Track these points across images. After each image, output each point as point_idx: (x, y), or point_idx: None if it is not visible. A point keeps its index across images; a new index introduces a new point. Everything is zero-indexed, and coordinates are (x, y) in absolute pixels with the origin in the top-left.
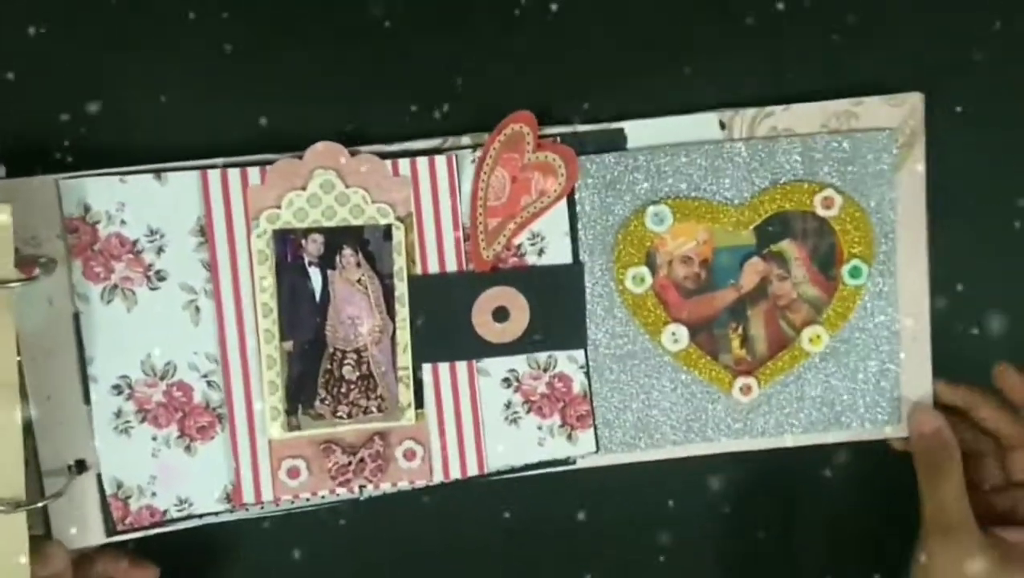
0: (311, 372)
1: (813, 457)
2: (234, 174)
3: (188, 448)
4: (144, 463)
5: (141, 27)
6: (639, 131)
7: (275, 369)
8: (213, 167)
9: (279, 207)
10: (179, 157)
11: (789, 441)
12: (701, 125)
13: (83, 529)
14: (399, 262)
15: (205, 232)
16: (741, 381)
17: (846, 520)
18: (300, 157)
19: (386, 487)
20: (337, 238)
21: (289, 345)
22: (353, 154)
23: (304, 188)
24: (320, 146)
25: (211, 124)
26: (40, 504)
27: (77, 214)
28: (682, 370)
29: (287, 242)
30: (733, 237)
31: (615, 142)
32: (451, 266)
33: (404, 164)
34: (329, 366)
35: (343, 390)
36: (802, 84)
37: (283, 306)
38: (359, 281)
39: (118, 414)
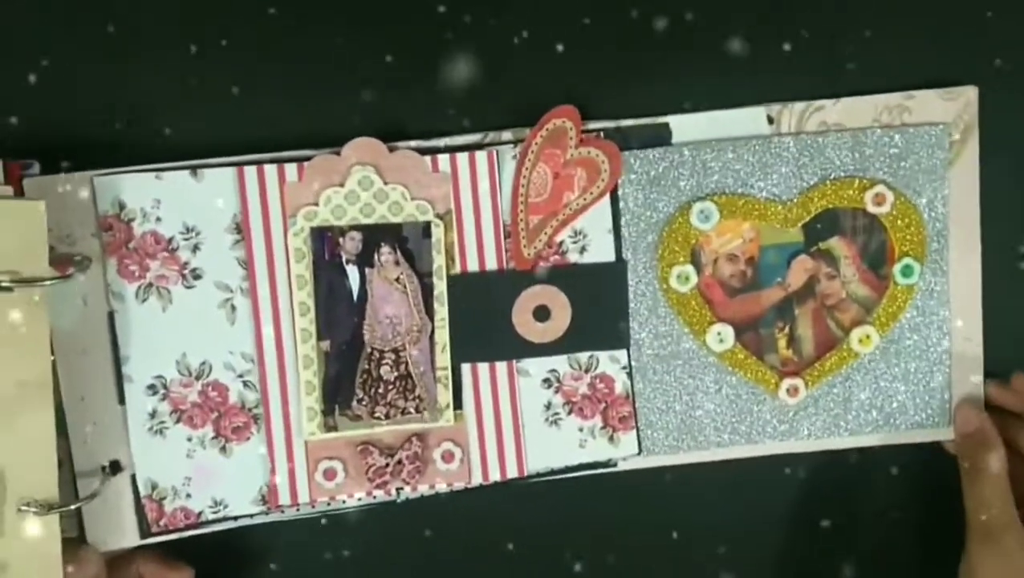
0: (348, 372)
1: (865, 460)
2: (271, 170)
3: (223, 449)
4: (179, 464)
5: (176, 21)
6: (684, 126)
7: (312, 369)
8: (250, 163)
9: (316, 204)
10: (215, 154)
11: (836, 444)
12: (749, 119)
13: (117, 531)
14: (438, 260)
15: (241, 229)
16: (788, 382)
17: (898, 524)
18: (338, 153)
19: (424, 489)
20: (375, 236)
21: (326, 345)
22: (392, 150)
23: (342, 185)
24: (358, 141)
25: (248, 120)
26: (73, 506)
27: (112, 212)
28: (727, 371)
29: (325, 240)
30: (781, 234)
31: (660, 137)
32: (491, 264)
33: (444, 160)
34: (367, 366)
35: (380, 390)
36: (853, 77)
37: (320, 305)
38: (397, 280)
39: (153, 415)
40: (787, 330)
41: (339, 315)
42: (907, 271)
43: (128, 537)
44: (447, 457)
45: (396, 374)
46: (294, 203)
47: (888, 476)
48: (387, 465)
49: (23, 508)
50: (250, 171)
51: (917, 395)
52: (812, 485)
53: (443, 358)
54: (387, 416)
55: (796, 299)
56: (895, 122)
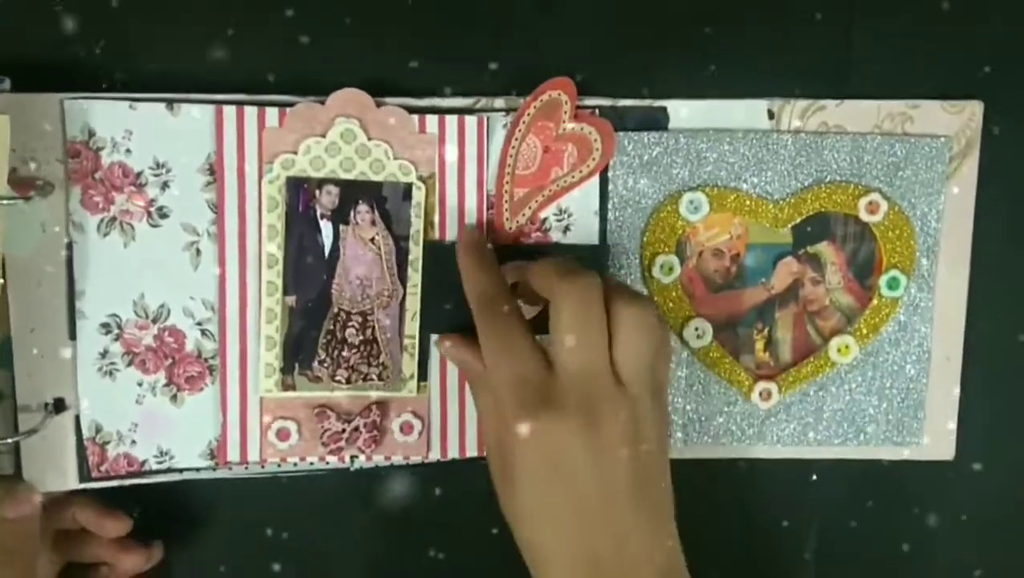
0: (312, 331)
1: (818, 470)
2: (251, 112)
3: (175, 398)
4: (127, 409)
5: None
6: (683, 112)
7: (275, 324)
8: (230, 103)
9: (295, 153)
10: (196, 90)
11: (804, 453)
12: (749, 112)
13: (56, 472)
14: (416, 224)
15: (214, 171)
16: (761, 386)
17: (857, 533)
18: (322, 103)
19: (379, 460)
20: (353, 192)
21: (292, 300)
22: (379, 105)
23: (324, 136)
24: (345, 92)
25: (235, 62)
26: (11, 440)
27: (80, 138)
28: (701, 368)
29: (300, 191)
30: (769, 234)
31: (656, 120)
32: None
33: (432, 121)
34: (332, 327)
35: (344, 353)
36: (859, 80)
37: (289, 259)
38: (372, 240)
39: (104, 354)
40: (766, 332)
41: (308, 271)
42: (893, 283)
43: (67, 479)
44: (406, 429)
45: (361, 338)
46: (272, 149)
47: (851, 486)
48: (343, 431)
49: None
50: (229, 111)
51: (891, 411)
52: (775, 490)
53: (412, 327)
54: (348, 380)
55: (778, 301)
56: (897, 130)
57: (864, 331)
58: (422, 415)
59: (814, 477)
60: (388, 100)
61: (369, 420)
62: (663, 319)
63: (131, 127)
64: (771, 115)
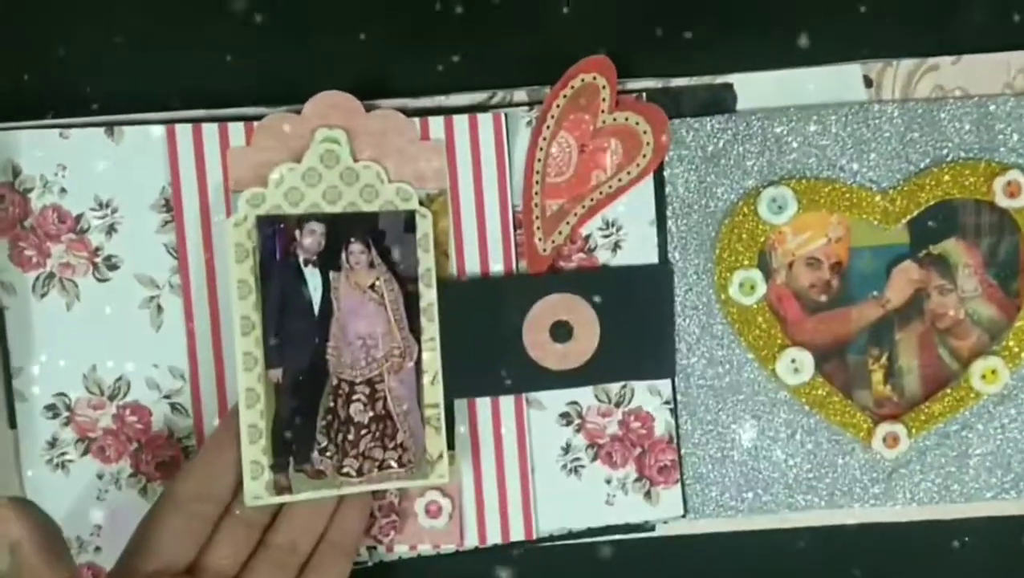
0: (307, 413)
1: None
2: (210, 131)
3: (144, 490)
4: (87, 509)
5: None
6: (754, 87)
7: (257, 408)
8: (184, 121)
9: (263, 187)
10: (140, 108)
11: (947, 513)
12: (839, 81)
13: None
14: (426, 261)
15: (171, 207)
16: (885, 429)
17: None
18: (298, 112)
19: (402, 550)
20: (342, 229)
21: (277, 375)
22: (369, 110)
23: (298, 161)
24: (326, 96)
25: (185, 70)
26: None
27: (3, 179)
28: (804, 411)
29: (276, 233)
30: (879, 233)
31: (721, 101)
32: (496, 264)
33: (436, 124)
34: (332, 404)
35: (351, 437)
36: (978, 29)
37: (269, 321)
38: (372, 287)
39: (53, 444)
40: (885, 359)
41: (295, 335)
42: None
43: None
44: (433, 511)
45: (371, 414)
46: (239, 175)
47: (1006, 552)
48: None
49: None
50: (184, 130)
51: None
52: (916, 563)
53: (433, 392)
54: (359, 471)
55: (897, 319)
56: None
57: (1015, 350)
58: (451, 493)
59: (955, 544)
60: (380, 103)
61: (385, 502)
62: None
63: (64, 160)
64: (868, 82)
